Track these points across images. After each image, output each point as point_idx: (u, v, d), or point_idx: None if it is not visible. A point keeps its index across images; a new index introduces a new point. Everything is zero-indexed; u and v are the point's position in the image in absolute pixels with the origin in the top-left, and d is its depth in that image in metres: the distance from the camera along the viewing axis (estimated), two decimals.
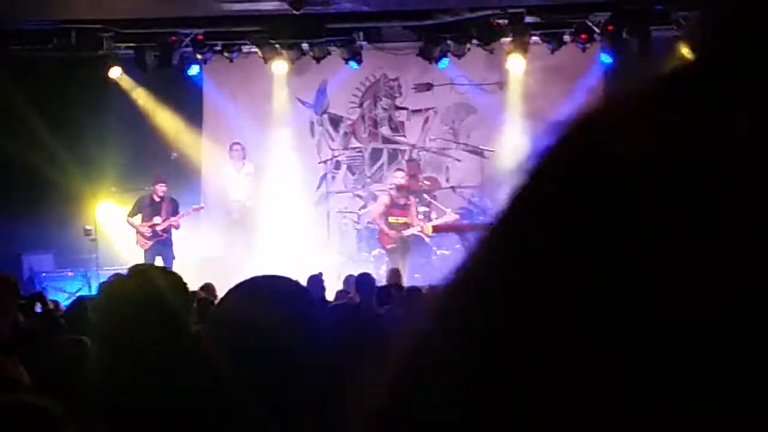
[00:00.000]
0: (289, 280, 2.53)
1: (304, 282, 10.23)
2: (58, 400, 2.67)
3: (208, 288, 10.12)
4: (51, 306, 9.27)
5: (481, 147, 16.34)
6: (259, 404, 2.30)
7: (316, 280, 10.11)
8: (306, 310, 2.44)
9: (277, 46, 15.69)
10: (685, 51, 0.58)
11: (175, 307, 2.50)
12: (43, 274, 15.35)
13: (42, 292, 10.92)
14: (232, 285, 2.55)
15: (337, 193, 16.84)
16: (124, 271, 2.63)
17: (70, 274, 15.43)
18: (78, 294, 11.11)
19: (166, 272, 2.75)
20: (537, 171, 0.56)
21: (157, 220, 14.94)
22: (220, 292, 10.70)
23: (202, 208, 15.87)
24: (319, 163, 17.05)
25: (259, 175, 16.50)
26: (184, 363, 2.51)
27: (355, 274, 10.96)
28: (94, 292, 12.89)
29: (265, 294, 2.42)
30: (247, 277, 2.52)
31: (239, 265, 13.84)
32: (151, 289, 2.51)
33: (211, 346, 2.44)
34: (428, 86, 16.96)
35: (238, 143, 16.33)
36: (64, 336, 5.54)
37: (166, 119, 16.58)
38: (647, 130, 0.52)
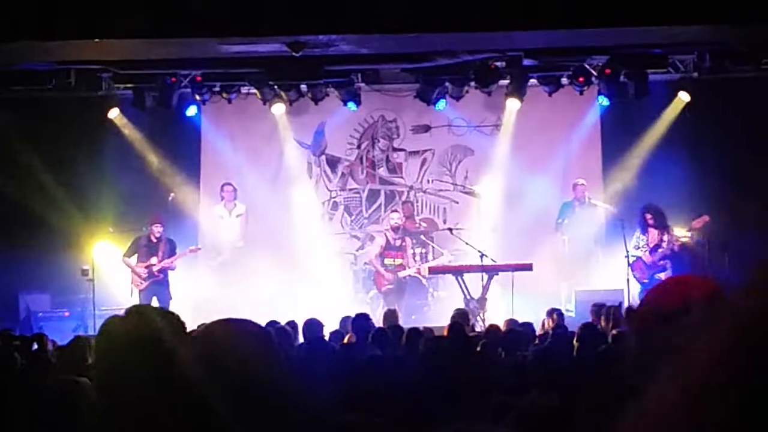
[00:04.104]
0: (252, 322, 2.60)
1: (300, 322, 10.27)
2: None
3: None
4: (50, 347, 9.25)
5: (478, 189, 16.37)
6: None
7: (313, 324, 10.11)
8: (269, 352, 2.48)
9: (275, 87, 15.73)
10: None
11: (172, 348, 2.49)
12: (40, 314, 15.29)
13: (42, 333, 10.89)
14: None
15: (334, 233, 16.84)
16: (122, 312, 2.63)
17: (66, 314, 15.38)
18: (75, 334, 11.05)
19: (164, 312, 2.74)
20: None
21: (153, 260, 14.90)
22: None
23: (199, 249, 15.81)
24: (317, 203, 17.06)
25: (256, 216, 16.48)
26: (182, 403, 2.50)
27: (352, 315, 10.95)
28: (90, 332, 12.85)
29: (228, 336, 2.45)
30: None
31: (235, 306, 13.81)
32: (149, 330, 2.51)
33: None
34: (426, 128, 17.01)
35: (229, 184, 16.31)
36: (56, 376, 5.52)
37: (164, 160, 16.55)
38: None
